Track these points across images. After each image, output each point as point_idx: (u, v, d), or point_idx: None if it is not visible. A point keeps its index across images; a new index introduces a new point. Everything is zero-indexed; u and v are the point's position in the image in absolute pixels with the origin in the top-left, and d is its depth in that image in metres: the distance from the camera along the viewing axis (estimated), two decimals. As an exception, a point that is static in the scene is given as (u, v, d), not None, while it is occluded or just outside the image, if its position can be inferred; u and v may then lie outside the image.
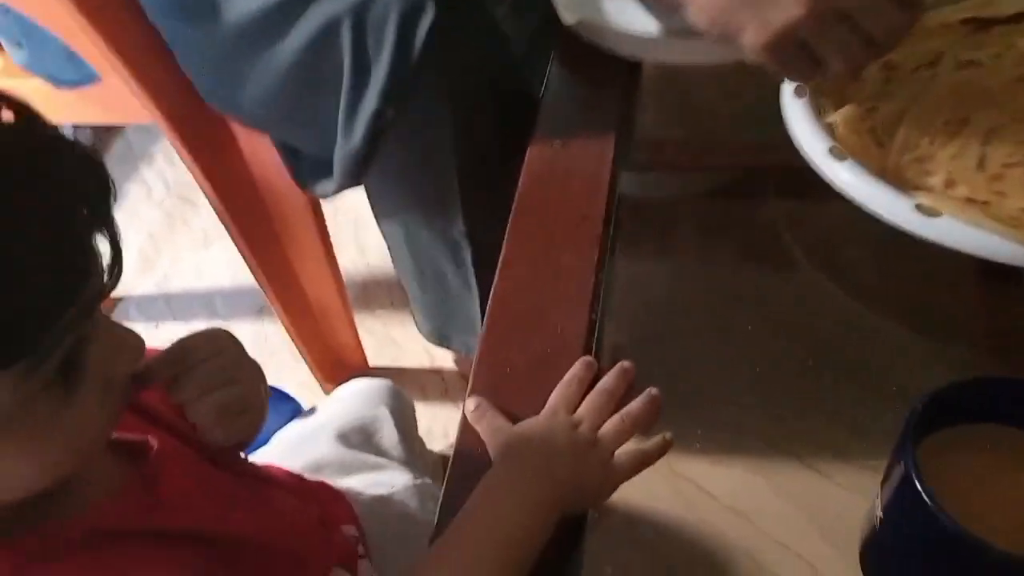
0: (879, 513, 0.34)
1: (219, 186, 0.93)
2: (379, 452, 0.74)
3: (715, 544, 0.52)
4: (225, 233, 1.00)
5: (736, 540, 0.52)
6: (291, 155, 0.84)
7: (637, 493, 0.48)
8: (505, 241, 0.57)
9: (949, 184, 0.48)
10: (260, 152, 0.90)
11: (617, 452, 0.46)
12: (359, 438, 0.73)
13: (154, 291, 1.50)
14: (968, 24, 0.58)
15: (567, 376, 0.48)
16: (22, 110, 0.33)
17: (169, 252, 1.55)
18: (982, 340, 0.56)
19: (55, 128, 0.34)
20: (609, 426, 0.46)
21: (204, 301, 1.47)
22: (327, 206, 1.01)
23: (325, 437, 0.72)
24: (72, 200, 0.33)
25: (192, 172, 0.92)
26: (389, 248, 0.90)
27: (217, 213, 0.97)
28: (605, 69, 0.68)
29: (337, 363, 1.24)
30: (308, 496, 0.59)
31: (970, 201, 0.46)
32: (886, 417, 0.33)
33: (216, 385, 0.43)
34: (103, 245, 0.34)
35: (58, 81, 0.95)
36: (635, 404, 0.47)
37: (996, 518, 0.31)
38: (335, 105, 0.70)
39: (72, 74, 0.93)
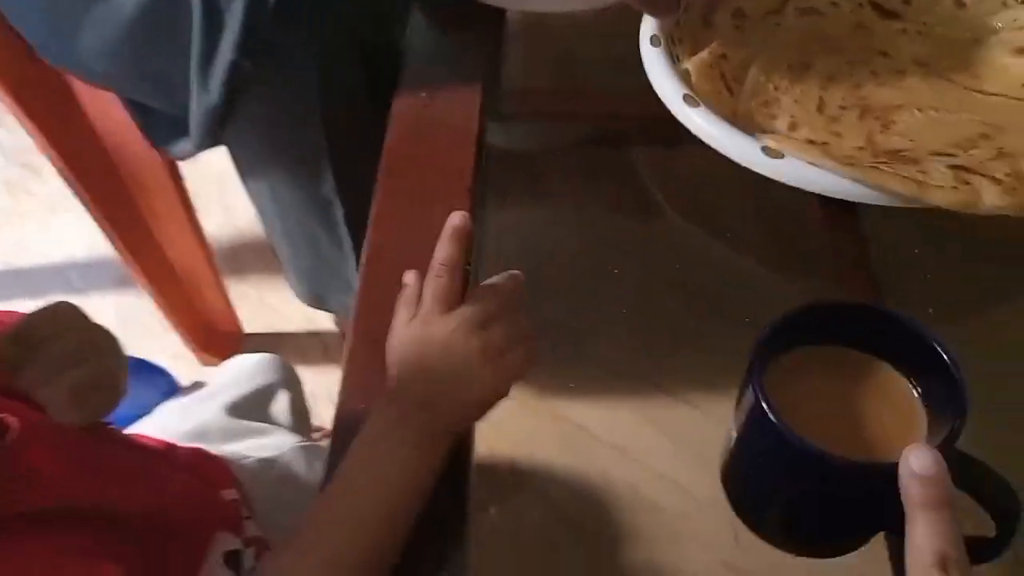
0: (733, 433, 0.37)
1: (64, 150, 0.86)
2: (268, 421, 0.73)
3: (597, 479, 0.55)
4: (77, 200, 0.93)
5: (617, 474, 0.54)
6: (143, 113, 0.78)
7: (520, 436, 0.49)
8: (375, 197, 0.56)
9: (792, 126, 0.51)
10: (108, 111, 0.83)
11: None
12: (248, 408, 0.72)
13: (1, 267, 1.38)
14: (809, -28, 0.62)
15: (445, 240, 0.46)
16: None
17: (14, 224, 1.43)
18: (829, 270, 0.61)
19: None
20: (514, 331, 0.44)
21: (58, 274, 1.37)
22: (188, 165, 0.95)
23: (212, 407, 0.70)
24: None
25: (33, 136, 0.85)
26: (256, 209, 0.87)
27: (65, 180, 0.90)
28: (469, 18, 0.68)
29: (210, 331, 1.19)
30: (179, 462, 0.57)
31: (811, 142, 0.49)
32: (745, 347, 0.36)
33: (66, 366, 0.40)
34: None
35: None
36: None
37: (834, 429, 0.34)
38: (187, 57, 0.65)
39: None
